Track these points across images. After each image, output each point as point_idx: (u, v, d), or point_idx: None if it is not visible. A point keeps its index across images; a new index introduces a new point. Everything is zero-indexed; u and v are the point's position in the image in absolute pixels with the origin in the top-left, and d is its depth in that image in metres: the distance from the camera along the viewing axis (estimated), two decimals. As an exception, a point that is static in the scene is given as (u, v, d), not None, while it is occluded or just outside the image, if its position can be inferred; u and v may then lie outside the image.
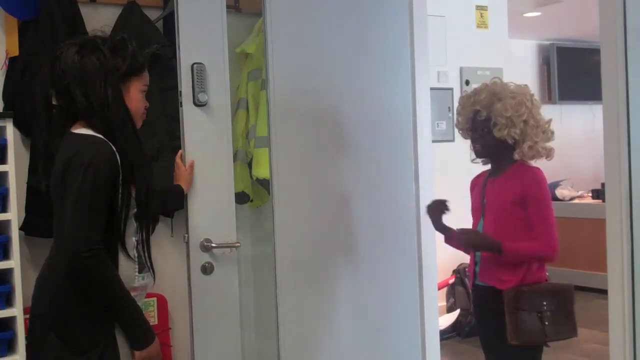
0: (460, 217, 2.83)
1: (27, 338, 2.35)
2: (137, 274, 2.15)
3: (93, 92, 2.06)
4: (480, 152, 2.85)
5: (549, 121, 2.82)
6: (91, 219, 1.97)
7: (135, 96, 2.16)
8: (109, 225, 2.03)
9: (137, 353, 2.07)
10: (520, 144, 2.75)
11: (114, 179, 2.03)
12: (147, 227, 2.17)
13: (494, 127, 2.74)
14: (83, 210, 1.96)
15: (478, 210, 2.86)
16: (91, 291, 2.01)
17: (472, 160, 2.96)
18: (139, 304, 2.23)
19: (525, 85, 2.85)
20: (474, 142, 2.85)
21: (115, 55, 2.11)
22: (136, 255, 2.15)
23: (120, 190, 2.05)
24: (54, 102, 2.15)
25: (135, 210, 2.12)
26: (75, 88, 2.06)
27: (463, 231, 2.81)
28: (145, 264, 2.18)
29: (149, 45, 2.92)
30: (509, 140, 2.74)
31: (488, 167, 2.95)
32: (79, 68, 2.07)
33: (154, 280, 2.25)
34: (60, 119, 2.14)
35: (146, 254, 2.19)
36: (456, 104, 2.97)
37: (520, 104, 2.73)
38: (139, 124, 2.20)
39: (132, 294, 2.15)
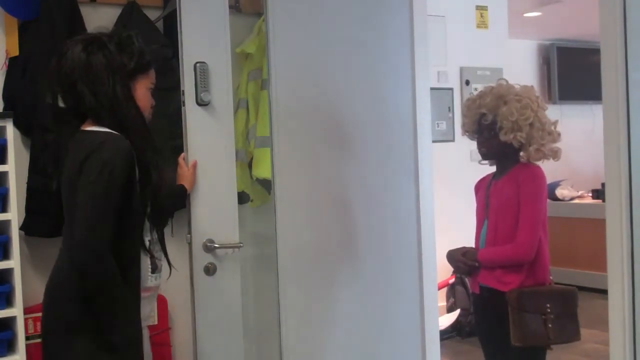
0: (460, 217, 2.83)
1: (28, 338, 2.33)
2: (150, 274, 2.16)
3: (101, 89, 2.05)
4: (487, 155, 2.85)
5: (555, 122, 2.81)
6: (101, 221, 1.94)
7: (142, 94, 2.14)
8: (125, 225, 2.02)
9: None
10: (526, 147, 2.74)
11: (131, 177, 2.02)
12: (161, 226, 2.18)
13: (499, 131, 2.74)
14: (94, 212, 1.94)
15: (482, 212, 2.86)
16: (91, 292, 1.98)
17: (480, 162, 2.95)
18: (151, 304, 2.24)
19: (531, 86, 2.84)
20: (480, 145, 2.84)
21: (122, 53, 2.09)
22: (149, 255, 2.15)
23: (137, 189, 2.04)
24: (60, 102, 2.15)
25: (149, 209, 2.12)
26: (82, 86, 2.05)
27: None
28: (157, 265, 2.19)
29: (149, 45, 2.93)
30: (515, 144, 2.73)
31: (494, 168, 2.95)
32: (86, 65, 2.05)
33: (170, 273, 2.25)
34: (67, 118, 2.13)
35: (163, 252, 2.20)
36: (456, 104, 2.98)
37: (526, 107, 2.72)
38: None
39: (146, 294, 2.16)
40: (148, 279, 2.15)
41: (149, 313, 2.22)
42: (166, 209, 2.25)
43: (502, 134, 2.73)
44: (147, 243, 2.14)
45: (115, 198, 1.97)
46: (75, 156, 2.04)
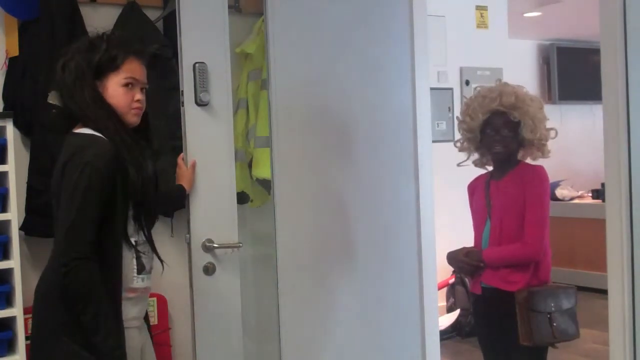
0: (460, 217, 2.82)
1: (28, 338, 2.33)
2: (135, 275, 2.15)
3: (76, 95, 2.08)
4: (502, 153, 2.80)
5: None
6: (84, 222, 1.95)
7: (114, 92, 2.12)
8: (108, 227, 2.01)
9: None
10: (543, 145, 2.79)
11: (114, 178, 2.02)
12: (147, 227, 2.17)
13: (524, 129, 2.75)
14: (75, 212, 1.95)
15: (484, 213, 2.85)
16: (72, 293, 1.97)
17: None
18: (140, 305, 2.22)
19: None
20: (496, 143, 2.79)
21: (90, 53, 2.11)
22: (135, 256, 2.14)
23: (119, 190, 2.04)
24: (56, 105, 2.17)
25: (133, 210, 2.12)
26: (63, 94, 2.10)
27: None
28: (145, 266, 2.18)
29: (149, 45, 2.93)
30: (535, 142, 2.76)
31: (481, 170, 2.95)
32: (62, 74, 2.10)
33: (163, 268, 2.24)
34: (62, 120, 2.16)
35: (153, 250, 2.19)
36: (456, 104, 2.97)
37: (541, 107, 2.79)
38: (131, 120, 2.16)
39: (131, 294, 2.15)
40: (133, 280, 2.14)
41: (137, 314, 2.20)
42: (153, 208, 2.23)
43: (527, 132, 2.75)
44: (133, 244, 2.13)
45: (98, 199, 1.97)
46: (61, 158, 2.06)
